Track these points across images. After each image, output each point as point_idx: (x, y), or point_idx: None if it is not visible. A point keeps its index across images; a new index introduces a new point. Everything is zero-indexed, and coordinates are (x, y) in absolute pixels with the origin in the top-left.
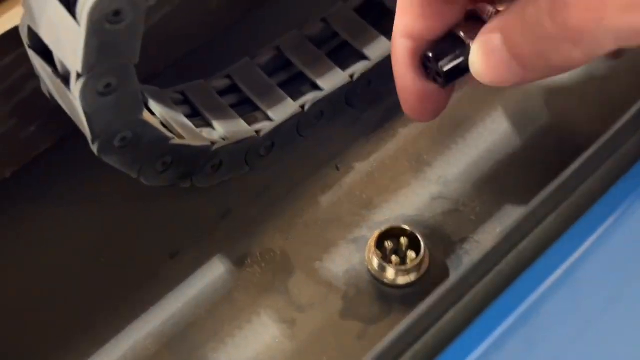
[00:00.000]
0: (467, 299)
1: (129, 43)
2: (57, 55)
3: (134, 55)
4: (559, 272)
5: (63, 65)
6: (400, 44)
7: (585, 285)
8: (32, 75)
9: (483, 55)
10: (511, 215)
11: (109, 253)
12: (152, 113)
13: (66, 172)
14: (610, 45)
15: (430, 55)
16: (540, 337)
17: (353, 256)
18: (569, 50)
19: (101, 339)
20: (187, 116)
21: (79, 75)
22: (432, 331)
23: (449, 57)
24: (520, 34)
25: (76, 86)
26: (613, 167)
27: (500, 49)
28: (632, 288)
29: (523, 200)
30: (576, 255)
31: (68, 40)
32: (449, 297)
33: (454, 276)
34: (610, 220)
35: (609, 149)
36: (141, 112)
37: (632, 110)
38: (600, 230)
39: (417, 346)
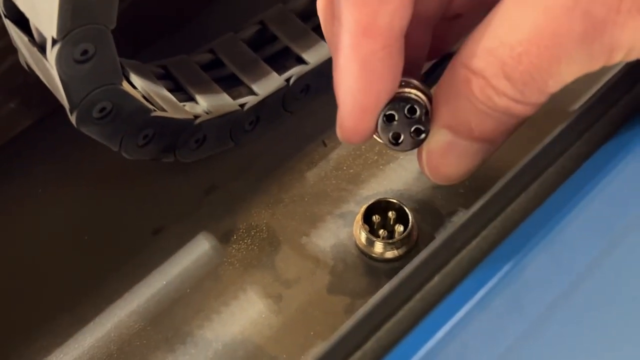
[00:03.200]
0: (452, 263)
1: (104, 7)
2: (33, 22)
3: (110, 20)
4: (543, 235)
5: (39, 33)
6: (362, 46)
7: (568, 247)
8: (10, 50)
9: (444, 160)
10: None
11: (92, 230)
12: (134, 87)
13: (47, 150)
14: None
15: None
16: (525, 297)
17: (340, 231)
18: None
19: (85, 317)
20: (170, 90)
21: (54, 42)
22: (418, 296)
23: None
24: (474, 118)
25: (52, 53)
26: (601, 128)
27: (457, 142)
28: (617, 250)
29: None
30: (560, 219)
31: (43, 5)
32: (432, 262)
33: (437, 240)
34: (596, 181)
35: (594, 113)
36: (120, 81)
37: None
38: (583, 195)
39: (401, 313)
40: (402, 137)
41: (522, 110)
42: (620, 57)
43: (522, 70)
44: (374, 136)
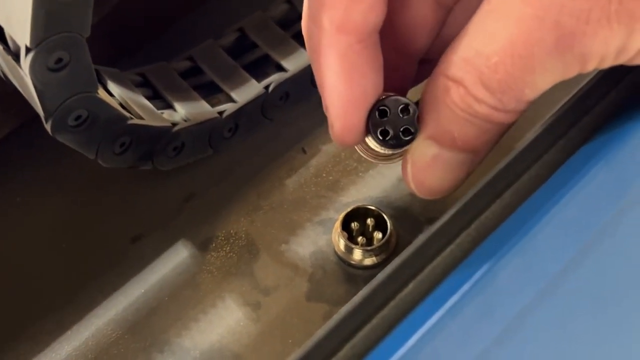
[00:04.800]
0: (426, 270)
1: (78, 15)
2: (7, 30)
3: (84, 28)
4: (516, 241)
5: (14, 42)
6: (338, 42)
7: (540, 254)
8: None
9: (429, 170)
10: None
11: (69, 238)
12: (111, 94)
13: (25, 158)
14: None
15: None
16: (497, 304)
17: (319, 238)
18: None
19: (62, 325)
20: (148, 98)
21: (28, 50)
22: (392, 303)
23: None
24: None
25: (26, 61)
26: (575, 135)
27: (442, 153)
28: (589, 257)
29: None
30: (533, 225)
31: (16, 13)
32: (406, 269)
33: (411, 247)
34: (568, 188)
35: (567, 120)
36: (96, 89)
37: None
38: (556, 201)
39: (375, 320)
40: (390, 134)
41: (502, 117)
42: (594, 65)
43: (499, 79)
44: (357, 148)
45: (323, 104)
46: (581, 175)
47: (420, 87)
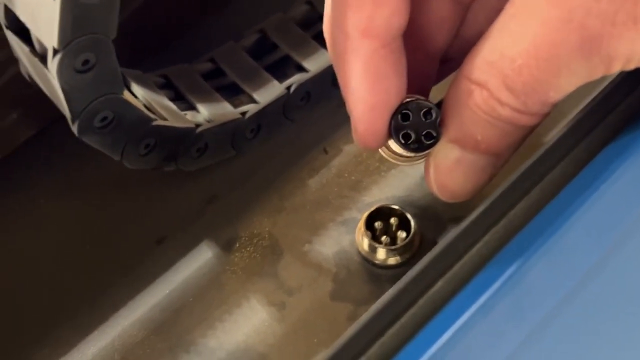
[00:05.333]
0: (455, 268)
1: (104, 17)
2: (34, 32)
3: (110, 30)
4: (545, 240)
5: (40, 44)
6: (362, 47)
7: (570, 252)
8: (11, 61)
9: (452, 174)
10: None
11: (94, 240)
12: (135, 96)
13: (50, 160)
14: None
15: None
16: (527, 302)
17: (343, 238)
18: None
19: (88, 327)
20: (171, 99)
21: (55, 52)
22: (421, 302)
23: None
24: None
25: (53, 63)
26: (600, 133)
27: (464, 156)
28: (618, 255)
29: None
30: (561, 223)
31: (43, 16)
32: (435, 268)
33: (439, 246)
34: (596, 186)
35: (593, 118)
36: (121, 90)
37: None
38: (584, 199)
39: (404, 318)
40: (412, 138)
41: (526, 120)
42: (619, 67)
43: (523, 81)
44: (379, 150)
45: (347, 108)
46: (608, 174)
47: (441, 85)
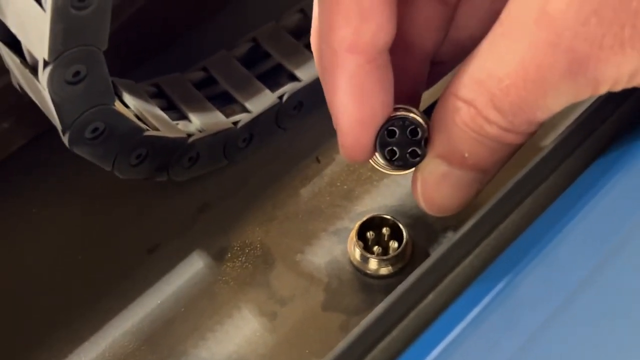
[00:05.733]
0: (446, 281)
1: (95, 28)
2: (25, 43)
3: (101, 41)
4: (537, 252)
5: (31, 55)
6: (348, 62)
7: (562, 264)
8: (2, 72)
9: (438, 187)
10: None
11: (85, 250)
12: (127, 106)
13: (41, 170)
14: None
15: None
16: (519, 314)
17: (335, 248)
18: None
19: (79, 337)
20: (163, 109)
21: (46, 63)
22: (412, 314)
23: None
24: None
25: (44, 74)
26: (593, 144)
27: (451, 172)
28: (610, 266)
29: None
30: (553, 235)
31: (34, 27)
32: (426, 280)
33: (431, 258)
34: (588, 198)
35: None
36: (113, 101)
37: None
38: (576, 211)
39: (396, 331)
40: (397, 155)
41: (513, 138)
42: (606, 88)
43: (510, 101)
44: (370, 161)
45: (333, 122)
46: (601, 185)
47: (432, 90)
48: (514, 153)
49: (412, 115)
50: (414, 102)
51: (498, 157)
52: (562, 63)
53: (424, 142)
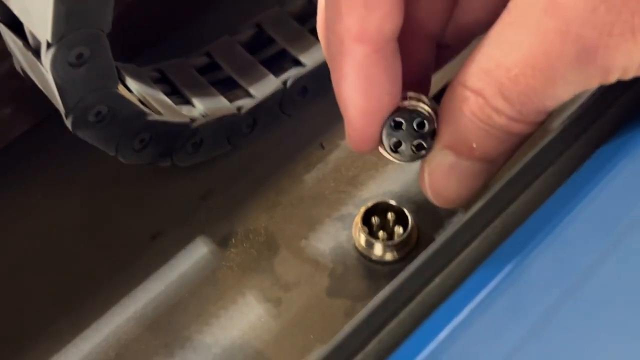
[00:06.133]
0: (453, 264)
1: (99, 10)
2: (27, 26)
3: (105, 24)
4: (544, 235)
5: (34, 37)
6: (355, 51)
7: (569, 247)
8: (5, 55)
9: (445, 178)
10: None
11: (88, 236)
12: (130, 91)
13: (44, 156)
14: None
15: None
16: (527, 298)
17: (339, 233)
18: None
19: (82, 324)
20: (166, 94)
21: (49, 45)
22: (419, 298)
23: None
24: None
25: (46, 56)
26: (601, 127)
27: (459, 163)
28: (619, 250)
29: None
30: (561, 219)
31: (37, 9)
32: (433, 263)
33: (437, 242)
34: (596, 181)
35: (594, 112)
36: (116, 85)
37: None
38: (584, 194)
39: (402, 315)
40: (402, 147)
41: (521, 128)
42: (616, 77)
43: (519, 91)
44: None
45: (340, 111)
46: (609, 168)
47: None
48: (522, 143)
49: (421, 105)
50: (424, 86)
51: (506, 147)
52: (571, 51)
53: (431, 135)
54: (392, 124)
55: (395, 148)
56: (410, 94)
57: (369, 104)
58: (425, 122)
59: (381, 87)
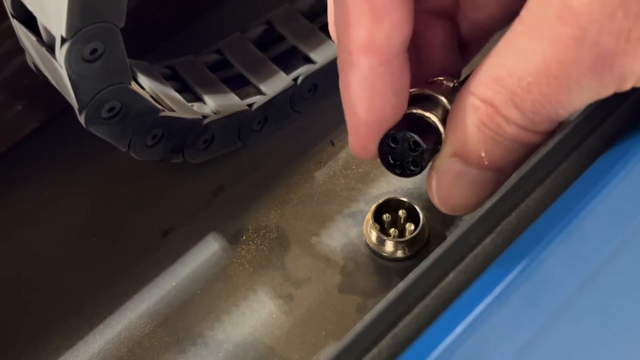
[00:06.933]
0: (468, 259)
1: (113, 4)
2: (41, 21)
3: (119, 18)
4: (559, 230)
5: (47, 33)
6: (361, 63)
7: (585, 241)
8: (17, 51)
9: (452, 186)
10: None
11: (100, 233)
12: (142, 87)
13: (55, 152)
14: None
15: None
16: (542, 292)
17: (350, 230)
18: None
19: (95, 319)
20: (177, 91)
21: (63, 40)
22: (433, 293)
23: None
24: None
25: (61, 52)
26: (616, 121)
27: (467, 171)
28: (634, 244)
29: None
30: (575, 213)
31: (51, 3)
32: (448, 258)
33: (452, 237)
34: (611, 175)
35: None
36: (129, 80)
37: None
38: (599, 189)
39: (417, 309)
40: (398, 162)
41: (531, 137)
42: (632, 84)
43: (531, 99)
44: None
45: (345, 117)
46: (624, 162)
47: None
48: (531, 153)
49: (428, 115)
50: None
51: (515, 157)
52: (586, 58)
53: (426, 155)
54: (390, 139)
55: (393, 161)
56: (430, 92)
57: (371, 116)
58: (421, 142)
59: (385, 100)
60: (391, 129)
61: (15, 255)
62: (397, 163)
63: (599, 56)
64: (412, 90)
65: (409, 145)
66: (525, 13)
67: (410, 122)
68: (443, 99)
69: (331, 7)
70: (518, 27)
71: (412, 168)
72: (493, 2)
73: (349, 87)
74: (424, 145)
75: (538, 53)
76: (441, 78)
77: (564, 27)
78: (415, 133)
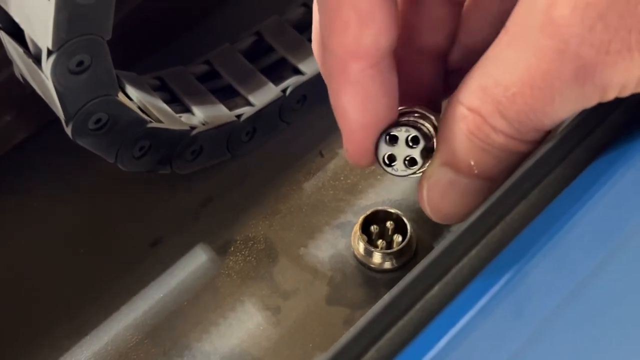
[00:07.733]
0: (453, 271)
1: (100, 17)
2: (28, 33)
3: (105, 31)
4: (544, 242)
5: (34, 45)
6: (351, 67)
7: (569, 254)
8: (5, 63)
9: (443, 196)
10: None
11: (88, 243)
12: (130, 98)
13: (43, 162)
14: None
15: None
16: (527, 305)
17: (338, 241)
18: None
19: (82, 331)
20: (166, 102)
21: (49, 52)
22: (418, 305)
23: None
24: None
25: (47, 64)
26: (601, 134)
27: (458, 180)
28: (619, 257)
29: None
30: (561, 226)
31: (38, 16)
32: (433, 270)
33: (437, 249)
34: (597, 188)
35: (593, 119)
36: (116, 92)
37: None
38: (584, 202)
39: (402, 322)
40: (395, 162)
41: (519, 146)
42: (614, 94)
43: (517, 109)
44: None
45: (339, 126)
46: (609, 175)
47: None
48: (521, 161)
49: (421, 122)
50: (434, 109)
51: (504, 165)
52: (568, 69)
53: (426, 152)
54: (388, 137)
55: (389, 162)
56: (418, 109)
57: (366, 118)
58: (420, 138)
59: (378, 101)
60: (387, 128)
61: (2, 265)
62: (394, 163)
63: (580, 68)
64: (401, 108)
65: (406, 142)
66: (510, 24)
67: (406, 123)
68: (431, 116)
69: (316, 22)
70: (504, 38)
71: (409, 166)
72: (485, 26)
73: (340, 93)
74: (423, 141)
75: (522, 64)
76: (419, 110)
77: (546, 39)
78: (414, 129)
